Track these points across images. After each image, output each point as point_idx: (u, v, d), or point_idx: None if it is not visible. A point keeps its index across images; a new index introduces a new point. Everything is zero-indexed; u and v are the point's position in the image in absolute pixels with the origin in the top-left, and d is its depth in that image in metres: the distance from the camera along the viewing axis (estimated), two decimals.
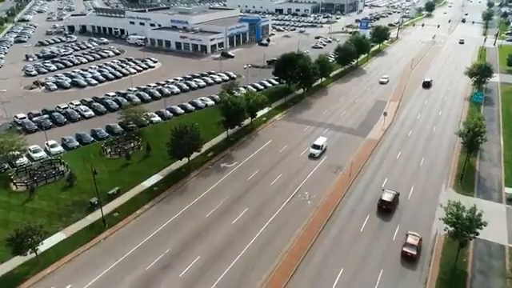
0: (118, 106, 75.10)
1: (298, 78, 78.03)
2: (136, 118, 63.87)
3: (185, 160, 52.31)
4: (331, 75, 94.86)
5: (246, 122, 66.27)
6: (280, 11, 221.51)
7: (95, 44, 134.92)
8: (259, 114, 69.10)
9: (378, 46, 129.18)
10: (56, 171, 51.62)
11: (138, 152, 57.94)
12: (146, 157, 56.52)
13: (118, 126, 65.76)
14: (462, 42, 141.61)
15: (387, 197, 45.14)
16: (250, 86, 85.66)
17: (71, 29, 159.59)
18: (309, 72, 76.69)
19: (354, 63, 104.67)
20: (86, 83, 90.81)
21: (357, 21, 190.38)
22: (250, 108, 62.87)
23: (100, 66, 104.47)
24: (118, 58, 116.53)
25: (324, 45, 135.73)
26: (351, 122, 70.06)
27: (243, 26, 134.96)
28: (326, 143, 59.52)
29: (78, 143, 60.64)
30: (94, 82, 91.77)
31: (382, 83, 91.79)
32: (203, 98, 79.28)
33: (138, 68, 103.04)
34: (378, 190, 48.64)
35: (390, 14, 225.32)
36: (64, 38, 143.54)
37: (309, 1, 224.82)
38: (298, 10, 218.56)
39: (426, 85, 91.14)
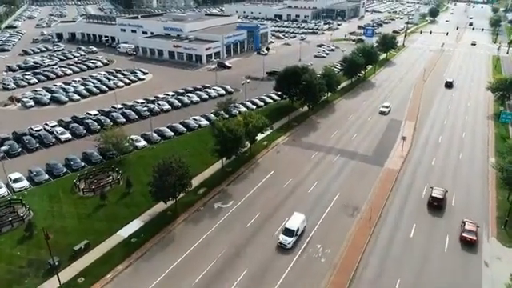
0: (99, 126, 66.34)
1: (303, 95, 69.51)
2: (117, 145, 55.06)
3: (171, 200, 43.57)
4: (338, 88, 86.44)
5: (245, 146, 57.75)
6: (279, 17, 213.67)
7: (83, 53, 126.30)
8: (259, 136, 60.46)
9: (384, 55, 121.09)
10: (14, 216, 42.66)
11: (116, 188, 48.96)
12: (126, 195, 47.53)
13: (97, 154, 56.86)
14: (474, 44, 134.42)
15: (437, 193, 46.06)
16: (248, 103, 77.10)
17: (60, 36, 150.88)
18: (315, 89, 68.17)
19: (361, 75, 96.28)
20: (67, 99, 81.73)
21: (359, 27, 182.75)
22: (248, 133, 54.30)
23: (85, 79, 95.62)
24: (107, 68, 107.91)
25: (327, 54, 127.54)
26: (365, 147, 61.38)
27: (241, 34, 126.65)
28: (305, 223, 41.97)
29: (47, 176, 51.76)
30: (77, 97, 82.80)
31: (382, 113, 74.67)
32: (196, 117, 70.51)
33: (127, 81, 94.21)
34: (405, 239, 40.06)
35: (392, 20, 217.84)
36: (51, 47, 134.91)
37: (309, 6, 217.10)
38: (297, 15, 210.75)
39: (449, 85, 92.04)
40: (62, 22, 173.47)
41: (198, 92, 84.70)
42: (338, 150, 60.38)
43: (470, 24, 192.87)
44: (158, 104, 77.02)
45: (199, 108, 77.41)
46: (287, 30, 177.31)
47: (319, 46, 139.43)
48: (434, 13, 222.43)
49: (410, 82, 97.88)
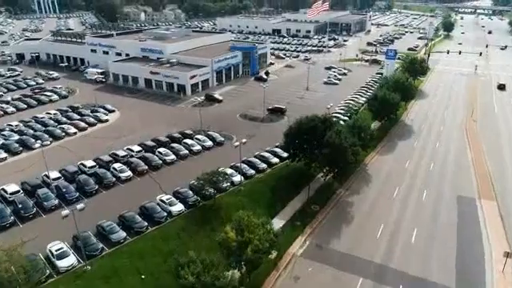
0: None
1: (328, 163, 46.12)
2: None
3: None
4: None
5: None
6: (278, 32, 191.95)
7: (41, 80, 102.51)
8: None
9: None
10: None
11: None
12: None
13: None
14: (502, 88, 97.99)
15: None
16: (244, 166, 53.62)
17: (22, 57, 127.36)
18: (346, 154, 44.85)
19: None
20: None
21: (369, 44, 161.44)
22: (247, 262, 30.78)
23: (27, 122, 71.91)
24: (64, 103, 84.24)
25: (339, 79, 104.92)
26: (438, 266, 37.27)
27: (235, 57, 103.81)
28: None
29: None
30: None
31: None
32: (164, 198, 46.16)
33: (82, 125, 69.96)
34: None
35: (402, 34, 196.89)
36: (4, 71, 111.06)
37: (310, 20, 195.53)
38: (298, 30, 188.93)
39: None
40: (26, 39, 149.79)
41: (174, 145, 60.89)
42: (394, 272, 36.41)
43: (504, 48, 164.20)
44: (114, 170, 53.26)
45: (174, 173, 53.78)
46: (287, 47, 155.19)
47: (328, 68, 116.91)
48: (448, 27, 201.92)
49: (456, 122, 74.87)
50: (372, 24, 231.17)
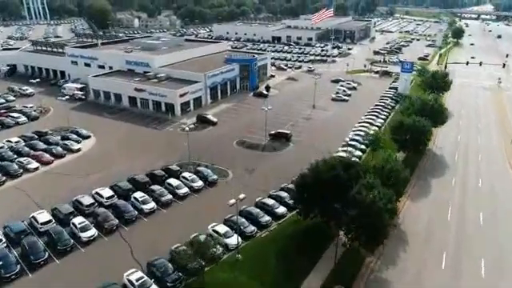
0: None
1: (355, 228, 34.17)
2: None
3: None
4: None
5: None
6: (277, 39, 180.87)
7: (12, 97, 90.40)
8: None
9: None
10: None
11: None
12: None
13: None
14: None
15: None
16: (243, 221, 41.59)
17: None
18: (381, 217, 32.93)
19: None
20: None
21: (376, 53, 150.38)
22: None
23: None
24: (33, 126, 72.27)
25: (348, 95, 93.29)
26: None
27: (232, 70, 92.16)
28: None
29: None
30: None
31: None
32: (134, 277, 33.40)
33: (46, 157, 57.69)
34: None
35: (409, 41, 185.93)
36: None
37: (312, 27, 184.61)
38: (299, 38, 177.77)
39: None
40: (3, 49, 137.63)
41: (154, 188, 48.82)
42: None
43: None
44: (74, 226, 41.03)
45: (153, 230, 41.67)
46: (288, 56, 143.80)
47: (335, 81, 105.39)
48: (457, 34, 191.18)
49: (493, 150, 63.16)
50: (376, 31, 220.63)
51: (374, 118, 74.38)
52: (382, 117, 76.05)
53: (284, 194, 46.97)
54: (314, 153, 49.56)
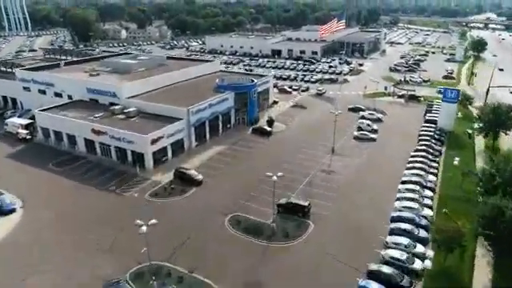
0: None
1: None
2: None
3: None
4: None
5: None
6: (278, 53, 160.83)
7: None
8: None
9: (482, 140, 66.59)
10: None
11: None
12: None
13: None
14: None
15: None
16: None
17: None
18: None
19: None
20: None
21: (392, 69, 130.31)
22: None
23: None
24: None
25: (375, 131, 72.40)
26: None
27: (224, 100, 71.08)
28: None
29: None
30: None
31: None
32: None
33: None
34: None
35: (425, 55, 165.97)
36: None
37: (315, 39, 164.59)
38: (302, 51, 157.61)
39: None
40: None
41: None
42: None
43: None
44: None
45: None
46: (292, 73, 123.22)
47: (353, 109, 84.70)
48: (479, 47, 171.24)
49: None
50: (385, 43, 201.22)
51: (421, 173, 53.14)
52: (433, 170, 54.91)
53: None
54: (345, 240, 28.21)
